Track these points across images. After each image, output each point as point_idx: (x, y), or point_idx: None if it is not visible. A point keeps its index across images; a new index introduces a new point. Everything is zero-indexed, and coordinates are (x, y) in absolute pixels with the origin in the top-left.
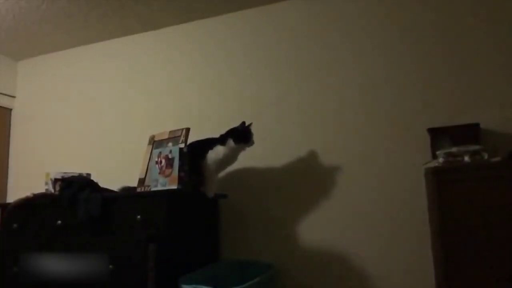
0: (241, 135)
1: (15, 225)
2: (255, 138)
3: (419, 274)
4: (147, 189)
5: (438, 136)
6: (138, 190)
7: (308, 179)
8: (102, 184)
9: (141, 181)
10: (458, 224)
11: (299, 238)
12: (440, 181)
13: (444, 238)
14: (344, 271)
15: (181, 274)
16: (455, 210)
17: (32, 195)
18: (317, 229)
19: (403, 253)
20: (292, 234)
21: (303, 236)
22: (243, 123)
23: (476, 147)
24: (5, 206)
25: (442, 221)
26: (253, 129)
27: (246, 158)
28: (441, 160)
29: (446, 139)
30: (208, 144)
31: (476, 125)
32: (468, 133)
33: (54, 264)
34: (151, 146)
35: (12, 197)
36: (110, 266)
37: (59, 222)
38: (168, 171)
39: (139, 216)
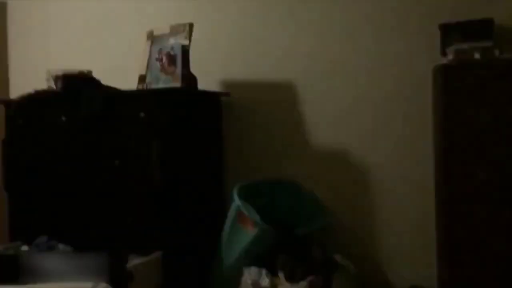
0: None
1: (20, 121)
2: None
3: (420, 174)
4: (148, 86)
5: (450, 32)
6: (139, 87)
7: (316, 76)
8: (104, 81)
9: (142, 78)
10: (463, 122)
11: (302, 141)
12: (448, 78)
13: (447, 136)
14: (345, 174)
15: (184, 171)
16: (460, 108)
17: (34, 92)
18: (320, 131)
19: (406, 151)
20: (296, 137)
21: (306, 138)
22: None
23: (487, 44)
24: (9, 102)
25: (446, 119)
26: None
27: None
28: (450, 57)
29: (457, 35)
30: None
31: (490, 21)
32: (481, 29)
33: (60, 158)
34: (150, 42)
35: (14, 94)
36: (116, 162)
37: (64, 118)
38: (170, 68)
39: (142, 114)
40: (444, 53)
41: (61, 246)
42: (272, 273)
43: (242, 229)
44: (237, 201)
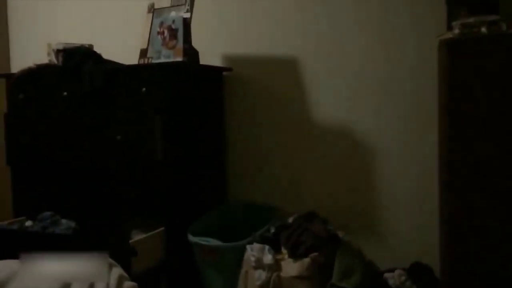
0: None
1: (21, 96)
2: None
3: (423, 153)
4: (150, 60)
5: (456, 6)
6: (141, 61)
7: (319, 51)
8: (105, 56)
9: (143, 52)
10: (468, 96)
11: (304, 117)
12: (453, 53)
13: (452, 112)
14: (346, 149)
15: (187, 146)
16: (465, 82)
17: (35, 66)
18: (322, 107)
19: (409, 127)
20: (298, 113)
21: (307, 113)
22: None
23: (494, 17)
24: (10, 76)
25: (451, 93)
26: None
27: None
28: (456, 31)
29: (464, 9)
30: None
31: None
32: (487, 1)
33: (62, 133)
34: (151, 15)
35: (15, 68)
36: (118, 137)
37: (65, 93)
38: (172, 43)
39: (144, 89)
40: (450, 28)
41: (64, 221)
42: (275, 250)
43: (209, 262)
44: (191, 239)
